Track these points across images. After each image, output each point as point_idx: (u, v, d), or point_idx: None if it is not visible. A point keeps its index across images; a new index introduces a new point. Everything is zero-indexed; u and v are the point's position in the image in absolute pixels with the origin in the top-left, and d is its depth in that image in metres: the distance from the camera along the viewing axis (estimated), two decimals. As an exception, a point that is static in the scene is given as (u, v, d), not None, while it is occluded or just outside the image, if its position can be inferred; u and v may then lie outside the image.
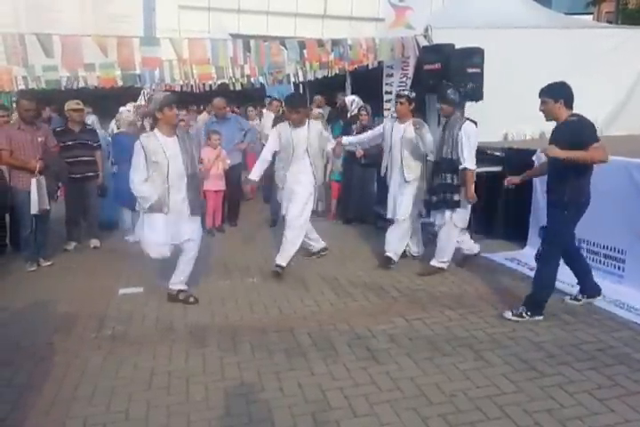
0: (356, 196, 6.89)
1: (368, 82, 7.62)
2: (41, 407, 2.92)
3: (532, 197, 5.44)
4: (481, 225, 5.84)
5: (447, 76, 6.32)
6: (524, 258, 5.22)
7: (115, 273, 5.09)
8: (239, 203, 7.17)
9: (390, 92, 7.42)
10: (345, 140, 5.37)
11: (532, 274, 4.76)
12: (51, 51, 5.03)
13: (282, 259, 4.98)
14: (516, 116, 6.49)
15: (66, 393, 3.06)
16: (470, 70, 6.23)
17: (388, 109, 7.43)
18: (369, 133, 5.44)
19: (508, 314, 3.96)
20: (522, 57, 6.58)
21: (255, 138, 7.14)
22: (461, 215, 4.78)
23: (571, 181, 3.69)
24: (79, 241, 6.04)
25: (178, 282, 4.38)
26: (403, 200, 5.06)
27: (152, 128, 4.26)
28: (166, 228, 4.07)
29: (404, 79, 7.15)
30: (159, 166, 3.99)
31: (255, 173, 5.19)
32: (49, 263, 5.34)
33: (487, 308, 4.19)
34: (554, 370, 3.24)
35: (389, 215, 5.24)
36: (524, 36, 6.76)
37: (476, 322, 3.94)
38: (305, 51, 6.28)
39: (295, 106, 5.00)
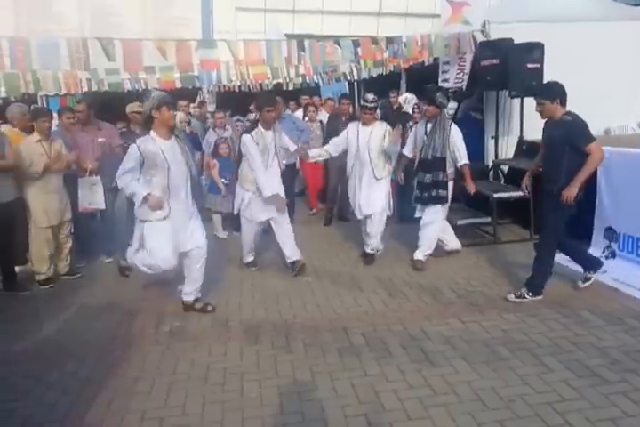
0: (412, 194, 6.79)
1: (423, 79, 7.51)
2: (102, 400, 3.03)
3: (595, 195, 5.20)
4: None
5: (505, 72, 6.17)
6: (588, 260, 4.99)
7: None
8: (294, 202, 7.21)
9: (446, 89, 7.27)
10: (312, 153, 5.32)
11: (597, 276, 4.61)
12: (112, 55, 5.23)
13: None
14: (578, 113, 6.20)
15: (126, 387, 3.16)
16: (530, 66, 6.05)
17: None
18: (335, 140, 5.32)
19: (511, 297, 4.22)
20: (585, 51, 6.31)
21: (309, 138, 7.16)
22: (446, 210, 5.13)
23: (569, 173, 3.89)
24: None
25: (192, 291, 4.21)
26: (377, 196, 5.09)
27: (148, 130, 3.87)
28: (171, 235, 3.89)
29: (461, 75, 7.01)
30: (158, 172, 3.78)
31: (313, 152, 5.32)
32: (110, 260, 5.54)
33: (547, 311, 4.04)
34: (618, 377, 3.09)
35: (363, 212, 5.16)
36: (588, 29, 6.46)
37: (535, 326, 3.80)
38: (359, 49, 6.25)
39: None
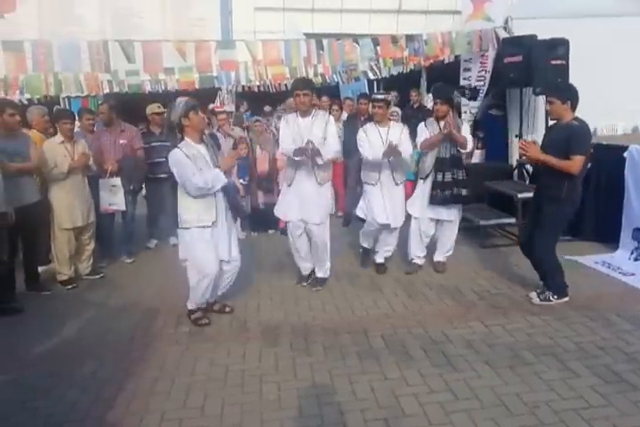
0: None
1: (445, 77, 7.42)
2: (121, 400, 3.03)
3: (624, 195, 5.06)
4: (568, 226, 5.51)
5: (529, 69, 6.05)
6: (616, 261, 4.88)
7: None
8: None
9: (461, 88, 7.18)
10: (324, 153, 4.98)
11: (625, 279, 4.49)
12: (132, 56, 5.28)
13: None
14: (606, 111, 6.09)
15: (145, 387, 3.16)
16: (554, 62, 5.93)
17: (467, 105, 7.20)
18: (365, 145, 4.90)
19: (537, 300, 4.14)
20: (611, 47, 6.17)
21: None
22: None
23: (568, 179, 3.85)
24: (160, 239, 6.28)
25: (212, 295, 4.17)
26: (399, 208, 4.88)
27: (181, 138, 3.82)
28: (214, 244, 3.86)
29: (483, 73, 6.91)
30: (206, 172, 3.75)
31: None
32: (131, 260, 5.58)
33: (574, 315, 3.94)
34: (648, 384, 2.98)
35: (383, 222, 4.83)
36: (614, 24, 6.30)
37: (561, 329, 3.71)
38: (378, 47, 6.20)
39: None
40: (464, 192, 4.83)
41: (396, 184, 4.90)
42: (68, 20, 8.73)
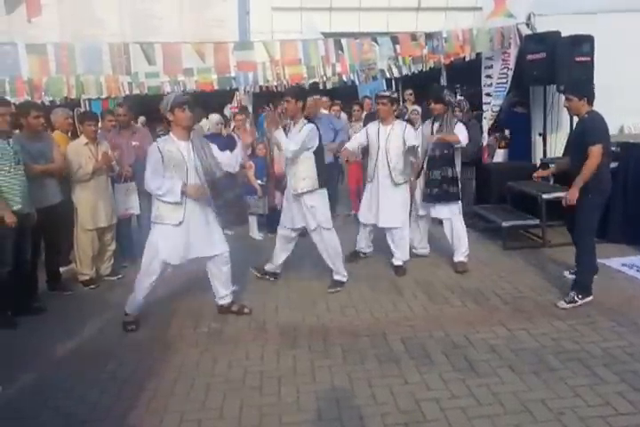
0: None
1: (465, 75, 7.33)
2: (141, 400, 3.04)
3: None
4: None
5: (553, 67, 5.94)
6: (645, 264, 4.74)
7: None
8: (333, 202, 7.13)
9: (490, 85, 7.08)
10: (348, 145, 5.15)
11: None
12: (152, 59, 5.31)
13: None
14: (634, 108, 5.95)
15: (164, 388, 3.17)
16: (579, 59, 5.82)
17: (489, 103, 7.09)
18: (356, 136, 5.15)
19: (563, 304, 4.07)
20: (638, 43, 6.02)
21: (346, 138, 7.07)
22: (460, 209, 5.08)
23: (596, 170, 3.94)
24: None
25: (227, 295, 4.19)
26: (396, 209, 4.86)
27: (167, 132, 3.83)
28: (183, 241, 3.81)
29: (505, 71, 6.80)
30: (178, 172, 3.73)
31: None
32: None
33: (601, 319, 3.83)
34: (679, 391, 2.88)
35: (381, 224, 4.94)
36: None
37: (588, 334, 3.61)
38: (397, 46, 6.13)
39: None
40: (452, 189, 4.92)
41: (396, 185, 4.82)
42: (90, 22, 8.84)
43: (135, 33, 8.45)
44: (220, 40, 5.97)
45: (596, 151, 3.88)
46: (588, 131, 3.96)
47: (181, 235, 3.81)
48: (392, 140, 4.80)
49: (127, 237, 5.56)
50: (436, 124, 4.93)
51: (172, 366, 3.42)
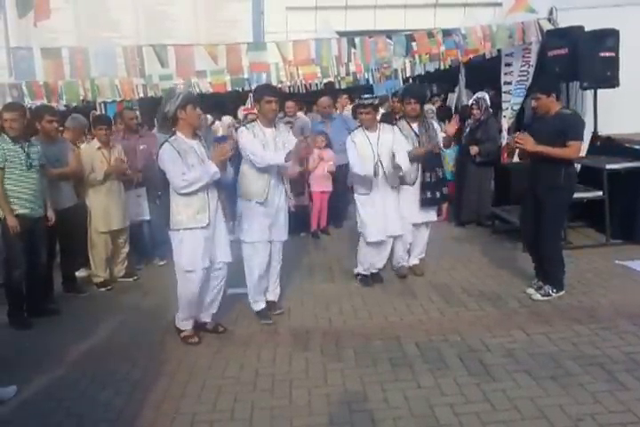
0: (471, 196, 6.51)
1: (484, 73, 7.19)
2: (153, 402, 3.04)
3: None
4: (619, 229, 5.25)
5: (576, 62, 5.79)
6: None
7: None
8: (346, 204, 7.08)
9: (510, 83, 6.92)
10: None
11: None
12: (166, 61, 5.33)
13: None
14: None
15: (176, 389, 3.16)
16: (603, 55, 5.66)
17: (508, 101, 6.95)
18: (356, 159, 4.48)
19: (537, 296, 4.18)
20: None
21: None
22: None
23: (565, 166, 4.01)
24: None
25: (208, 315, 3.92)
26: (394, 212, 4.62)
27: (173, 132, 3.61)
28: (206, 245, 3.60)
29: (526, 67, 6.63)
30: (198, 166, 3.53)
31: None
32: (163, 262, 5.59)
33: (624, 323, 3.72)
34: None
35: (386, 235, 4.60)
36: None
37: (609, 339, 3.50)
38: (413, 43, 6.02)
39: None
40: (445, 191, 4.92)
41: (392, 187, 4.60)
42: (105, 25, 8.93)
43: (150, 35, 8.51)
44: (234, 41, 5.97)
45: (576, 147, 3.94)
46: (572, 127, 3.97)
47: (209, 237, 3.62)
48: (384, 145, 4.49)
49: (141, 240, 5.58)
50: (415, 125, 4.74)
51: (184, 368, 3.42)
